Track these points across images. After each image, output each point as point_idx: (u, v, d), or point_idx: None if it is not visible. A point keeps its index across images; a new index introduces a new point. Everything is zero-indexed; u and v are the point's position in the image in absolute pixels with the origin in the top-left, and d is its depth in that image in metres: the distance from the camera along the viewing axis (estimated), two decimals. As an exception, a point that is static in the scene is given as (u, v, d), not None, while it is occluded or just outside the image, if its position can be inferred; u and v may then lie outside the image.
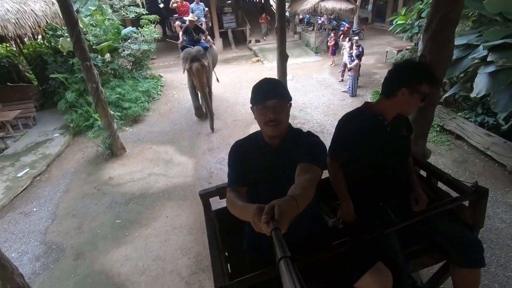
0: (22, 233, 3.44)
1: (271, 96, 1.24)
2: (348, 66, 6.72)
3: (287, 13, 12.36)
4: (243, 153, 1.38)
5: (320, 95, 6.99)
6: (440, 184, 1.78)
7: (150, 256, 3.03)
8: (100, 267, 2.96)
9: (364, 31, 12.21)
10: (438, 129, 4.91)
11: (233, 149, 1.41)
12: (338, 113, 6.00)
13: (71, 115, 5.83)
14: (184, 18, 5.46)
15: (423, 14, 4.67)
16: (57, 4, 4.64)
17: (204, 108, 5.82)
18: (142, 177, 4.35)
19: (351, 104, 6.37)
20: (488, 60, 3.23)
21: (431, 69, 1.46)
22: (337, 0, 9.62)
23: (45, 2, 5.57)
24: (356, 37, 6.94)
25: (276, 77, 5.08)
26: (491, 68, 3.19)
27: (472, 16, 4.18)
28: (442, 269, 1.74)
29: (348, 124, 1.59)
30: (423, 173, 1.87)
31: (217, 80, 6.36)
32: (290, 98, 1.29)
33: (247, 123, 5.80)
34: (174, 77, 9.07)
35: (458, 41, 3.88)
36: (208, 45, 5.69)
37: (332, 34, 9.27)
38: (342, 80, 7.57)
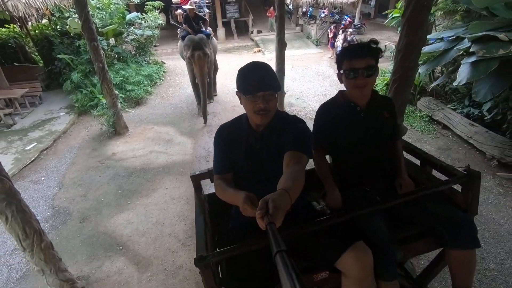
0: (32, 198, 3.71)
1: (262, 88, 1.20)
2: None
3: (290, 6, 12.48)
4: (227, 137, 1.37)
5: (317, 85, 7.21)
6: (435, 173, 1.76)
7: (150, 221, 3.30)
8: (104, 229, 3.23)
9: (365, 25, 12.35)
10: (426, 119, 5.15)
11: (218, 133, 1.40)
12: (333, 102, 6.23)
13: (76, 95, 6.06)
14: (184, 6, 5.33)
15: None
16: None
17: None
18: (143, 154, 4.60)
19: None
20: (470, 51, 3.46)
21: (356, 45, 1.52)
22: (339, -8, 9.74)
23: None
24: (350, 29, 7.15)
25: (275, 65, 5.29)
26: (472, 59, 3.42)
27: (461, 10, 4.37)
28: (437, 258, 1.70)
29: (323, 115, 1.63)
30: (418, 162, 1.85)
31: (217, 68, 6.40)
32: (279, 87, 1.26)
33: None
34: (177, 64, 9.27)
35: (446, 34, 4.11)
36: (211, 33, 5.62)
37: (332, 27, 9.44)
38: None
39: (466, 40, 3.63)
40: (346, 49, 1.52)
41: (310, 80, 7.57)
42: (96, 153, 4.67)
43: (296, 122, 1.35)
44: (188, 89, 7.06)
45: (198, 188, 1.74)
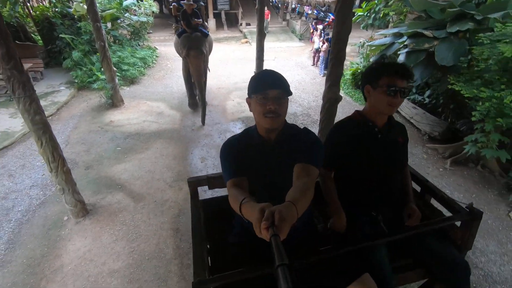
0: (43, 151, 4.41)
1: (274, 85, 1.18)
2: (320, 48, 7.80)
3: (276, 1, 13.24)
4: (237, 150, 1.33)
5: (295, 74, 8.05)
6: (433, 201, 1.76)
7: (143, 169, 4.07)
8: (105, 174, 3.98)
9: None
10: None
11: (226, 146, 1.35)
12: (307, 88, 7.10)
13: (76, 72, 6.70)
14: (182, 2, 5.11)
15: (377, 8, 5.74)
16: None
17: (197, 99, 5.65)
18: (137, 122, 5.34)
19: (320, 82, 7.46)
20: (405, 44, 4.35)
21: (391, 63, 1.51)
22: (321, -9, 10.58)
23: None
24: (321, 26, 8.01)
25: (255, 53, 6.08)
26: (406, 50, 4.31)
27: (406, 11, 5.25)
28: (426, 285, 1.71)
29: (338, 134, 1.59)
30: (417, 187, 1.85)
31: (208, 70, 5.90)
32: (291, 92, 1.23)
33: (229, 90, 6.84)
34: (168, 50, 9.93)
35: (392, 30, 4.99)
36: (208, 32, 5.45)
37: (313, 23, 10.28)
38: (313, 65, 8.63)
39: (404, 36, 4.51)
40: (387, 65, 1.45)
41: (289, 70, 8.40)
42: (96, 120, 5.38)
43: (308, 133, 1.35)
44: (179, 72, 7.76)
45: (194, 195, 1.68)
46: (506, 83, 3.35)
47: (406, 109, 5.46)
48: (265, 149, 1.31)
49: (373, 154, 1.52)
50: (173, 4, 5.81)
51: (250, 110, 1.28)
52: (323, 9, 13.74)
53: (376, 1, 5.74)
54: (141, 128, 5.14)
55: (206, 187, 1.79)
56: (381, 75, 1.42)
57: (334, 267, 1.27)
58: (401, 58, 4.42)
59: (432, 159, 4.36)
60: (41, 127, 2.64)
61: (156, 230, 3.09)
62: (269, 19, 12.97)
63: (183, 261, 2.74)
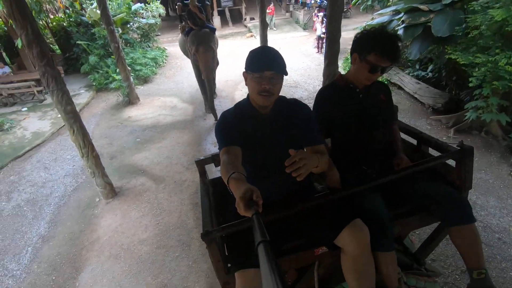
0: (71, 146, 4.82)
1: (271, 66, 1.21)
2: (322, 36, 7.96)
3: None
4: (231, 122, 1.36)
5: (300, 62, 8.24)
6: (432, 152, 1.78)
7: (162, 156, 4.42)
8: (128, 162, 4.36)
9: (351, 9, 13.22)
10: (386, 82, 6.18)
11: (220, 120, 1.39)
12: (312, 74, 7.28)
13: (93, 76, 7.16)
14: (185, 1, 5.12)
15: (375, -11, 5.86)
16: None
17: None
18: (153, 116, 5.72)
19: None
20: (402, 20, 4.48)
21: (386, 41, 1.43)
22: (323, -21, 10.63)
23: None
24: (321, 13, 8.16)
25: (259, 43, 6.34)
26: (403, 25, 4.44)
27: None
28: (433, 233, 1.74)
29: (322, 97, 1.66)
30: (414, 142, 1.88)
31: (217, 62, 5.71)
32: (286, 72, 1.27)
33: (236, 82, 7.11)
34: (177, 50, 10.20)
35: (390, 9, 5.12)
36: (215, 28, 5.43)
37: (316, 11, 10.38)
38: (318, 52, 8.79)
39: (401, 12, 4.64)
40: (380, 42, 1.43)
41: (295, 58, 8.59)
42: (115, 117, 5.80)
43: (302, 107, 1.42)
44: (189, 69, 8.11)
45: (202, 173, 1.79)
46: (500, 47, 3.47)
47: (410, 85, 5.57)
48: (260, 121, 1.36)
49: (357, 113, 1.59)
50: (178, 4, 5.83)
51: (246, 84, 1.32)
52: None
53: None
54: (157, 121, 5.51)
55: (216, 168, 1.94)
56: (370, 50, 1.43)
57: (328, 218, 1.30)
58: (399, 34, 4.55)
59: (436, 129, 4.50)
60: (72, 116, 3.01)
61: (177, 205, 3.42)
62: (274, 15, 12.80)
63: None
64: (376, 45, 1.42)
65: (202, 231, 1.18)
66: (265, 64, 1.21)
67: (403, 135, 1.84)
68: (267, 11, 12.97)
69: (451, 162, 1.56)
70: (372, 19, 7.21)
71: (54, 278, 2.72)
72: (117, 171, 4.15)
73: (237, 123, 1.35)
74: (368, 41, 1.46)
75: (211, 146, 4.56)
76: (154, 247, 2.91)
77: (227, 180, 1.05)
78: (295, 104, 1.42)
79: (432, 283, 1.56)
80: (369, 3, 6.36)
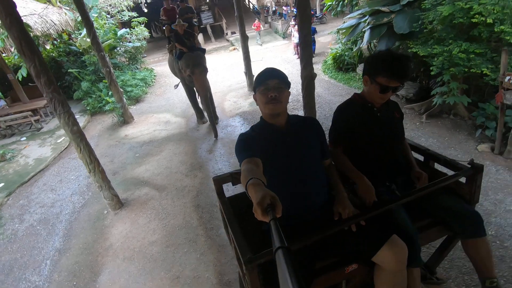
0: (75, 167, 5.12)
1: (272, 76, 1.36)
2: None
3: (256, 6, 14.02)
4: (250, 137, 1.43)
5: (283, 69, 8.62)
6: (438, 167, 1.85)
7: (161, 167, 4.72)
8: (130, 176, 4.65)
9: (326, 16, 13.92)
10: (357, 78, 6.66)
11: (239, 139, 1.43)
12: (295, 79, 7.71)
13: (87, 100, 7.47)
14: (173, 26, 5.27)
15: (343, -4, 6.41)
16: (68, 14, 6.28)
17: (205, 113, 5.75)
18: (149, 132, 6.04)
19: (315, 68, 8.10)
20: (367, 22, 4.97)
21: (393, 63, 1.50)
22: (296, -10, 11.30)
23: (58, 13, 7.16)
24: (292, 22, 8.75)
25: (242, 55, 6.77)
26: (368, 27, 4.92)
27: None
28: (445, 243, 1.81)
29: (343, 114, 1.73)
30: (421, 158, 1.95)
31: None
32: (289, 84, 1.39)
33: (224, 93, 7.53)
34: (164, 69, 10.70)
35: (357, 12, 5.63)
36: (204, 48, 5.71)
37: (292, 20, 10.98)
38: (298, 58, 9.32)
39: (366, 15, 5.14)
40: (387, 64, 1.51)
41: (277, 65, 9.05)
42: (113, 137, 6.09)
43: (317, 122, 1.57)
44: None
45: (220, 192, 1.75)
46: (453, 38, 3.94)
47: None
48: (278, 134, 1.43)
49: (375, 130, 1.67)
50: (165, 25, 5.99)
51: (257, 105, 1.46)
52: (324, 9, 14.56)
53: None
54: (153, 136, 5.83)
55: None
56: (379, 73, 1.51)
57: (362, 235, 1.33)
58: (366, 35, 5.04)
59: (410, 116, 4.93)
60: (78, 135, 3.32)
61: (181, 208, 3.72)
62: (260, 31, 12.68)
63: (207, 226, 3.35)
64: (384, 67, 1.50)
65: (242, 259, 1.14)
66: (268, 75, 1.38)
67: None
68: (253, 27, 13.42)
69: (462, 178, 1.64)
70: (344, 22, 7.78)
71: (75, 283, 2.97)
72: (121, 184, 4.43)
73: (257, 139, 1.42)
74: (377, 64, 1.55)
75: (207, 154, 4.89)
76: (164, 246, 3.19)
77: (245, 186, 1.04)
78: (309, 118, 1.57)
79: None
80: (339, 8, 6.90)
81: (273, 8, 15.91)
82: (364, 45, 4.95)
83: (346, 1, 6.34)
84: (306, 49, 3.77)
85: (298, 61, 9.15)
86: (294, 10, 14.48)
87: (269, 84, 1.34)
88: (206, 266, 2.86)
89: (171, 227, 3.44)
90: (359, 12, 5.37)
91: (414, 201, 1.57)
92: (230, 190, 2.65)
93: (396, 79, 1.50)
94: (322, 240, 1.36)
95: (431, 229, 1.62)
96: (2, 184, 4.89)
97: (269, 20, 14.33)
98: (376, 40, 5.45)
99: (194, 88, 5.44)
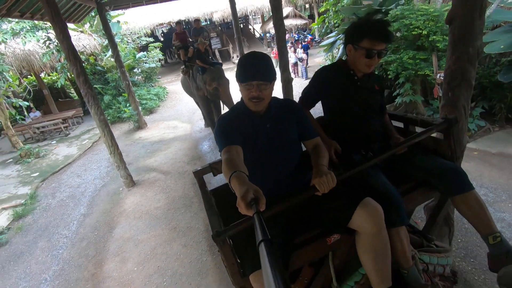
0: (97, 160, 6.12)
1: (255, 77, 1.28)
2: (302, 57, 9.64)
3: (260, 33, 15.46)
4: (229, 122, 1.41)
5: (281, 85, 9.74)
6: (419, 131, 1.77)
7: (167, 158, 5.64)
8: (142, 165, 5.58)
9: (324, 40, 15.18)
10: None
11: (219, 123, 1.42)
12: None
13: (108, 111, 8.63)
14: (195, 45, 5.49)
15: (326, 20, 7.49)
16: (96, 39, 7.61)
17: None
18: (159, 135, 7.04)
19: (306, 83, 9.10)
20: (341, 38, 5.96)
21: (375, 24, 1.49)
22: (294, 18, 12.66)
23: (88, 39, 8.56)
24: (289, 44, 9.95)
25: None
26: (341, 42, 5.90)
27: (342, 17, 6.94)
28: (437, 205, 1.81)
29: (321, 76, 1.70)
30: (400, 125, 1.94)
31: None
32: (274, 77, 1.33)
33: (226, 104, 8.54)
34: (175, 88, 12.00)
35: (334, 33, 6.66)
36: (222, 63, 5.93)
37: (289, 44, 12.22)
38: (296, 76, 10.43)
39: (340, 33, 6.15)
40: (370, 26, 1.50)
41: (276, 82, 10.12)
42: (128, 139, 7.13)
43: (297, 106, 1.55)
44: (185, 100, 9.65)
45: (202, 184, 1.77)
46: (404, 48, 4.85)
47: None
48: (258, 120, 1.41)
49: (352, 97, 1.64)
50: (180, 50, 6.15)
51: (239, 90, 1.39)
52: (305, 33, 15.92)
53: (324, 16, 7.52)
54: (163, 137, 6.82)
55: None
56: (363, 36, 1.49)
57: (337, 202, 1.31)
58: (340, 50, 6.01)
59: (379, 116, 5.73)
60: (103, 123, 4.30)
61: (181, 185, 4.58)
62: (278, 59, 13.44)
63: (200, 196, 4.16)
64: (366, 30, 1.49)
65: (212, 234, 1.16)
66: (251, 75, 1.29)
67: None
68: (272, 55, 14.34)
69: (439, 137, 1.65)
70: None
71: (96, 234, 3.81)
72: (134, 171, 5.35)
73: (237, 124, 1.39)
74: (358, 29, 1.53)
75: (207, 148, 5.80)
76: (166, 209, 4.03)
77: (228, 179, 1.06)
78: (289, 103, 1.54)
79: (444, 258, 1.61)
80: (323, 30, 7.99)
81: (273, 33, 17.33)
82: (337, 58, 5.90)
83: (327, 24, 7.40)
84: (282, 58, 4.75)
85: (297, 79, 10.26)
86: (296, 36, 15.86)
87: (252, 84, 1.30)
88: (197, 220, 3.66)
89: (172, 197, 4.29)
90: (336, 32, 6.40)
91: (395, 166, 1.60)
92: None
93: (381, 39, 1.48)
94: (299, 214, 1.40)
95: (415, 192, 1.60)
96: (38, 173, 5.90)
97: (272, 45, 15.69)
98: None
99: (212, 103, 5.76)
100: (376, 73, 1.85)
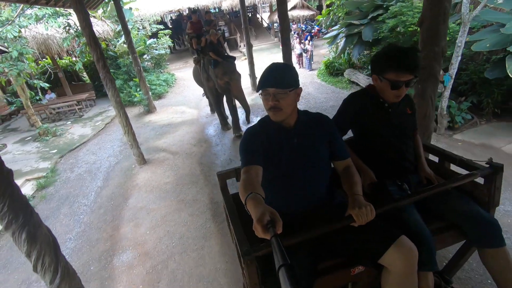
0: (110, 140, 6.58)
1: (270, 83, 1.27)
2: (307, 48, 9.89)
3: (268, 22, 15.61)
4: (254, 137, 1.39)
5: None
6: (454, 169, 1.74)
7: (176, 140, 6.07)
8: (151, 146, 6.02)
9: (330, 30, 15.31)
10: (347, 81, 7.85)
11: (244, 137, 1.40)
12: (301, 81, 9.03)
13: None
14: (206, 36, 5.46)
15: (331, 13, 7.72)
16: (109, 25, 7.96)
17: (229, 121, 6.01)
18: (168, 118, 7.46)
19: (310, 74, 9.43)
20: (343, 32, 6.25)
21: (399, 56, 1.44)
22: (301, 9, 12.80)
23: (101, 25, 8.91)
24: (295, 34, 10.14)
25: (247, 61, 8.16)
26: (343, 35, 6.19)
27: (346, 11, 7.17)
28: (461, 250, 1.70)
29: (352, 104, 1.68)
30: (435, 158, 1.85)
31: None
32: (293, 85, 1.29)
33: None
34: (184, 74, 12.37)
35: (337, 26, 6.92)
36: (234, 57, 5.65)
37: (296, 35, 12.41)
38: (300, 67, 10.68)
39: (343, 26, 6.42)
40: (393, 58, 1.46)
41: (280, 72, 10.43)
42: (139, 122, 7.57)
43: (328, 121, 1.46)
44: (192, 87, 10.01)
45: (225, 188, 1.73)
46: (402, 43, 5.13)
47: (363, 81, 7.21)
48: (286, 133, 1.38)
49: (384, 126, 1.60)
50: (192, 38, 6.12)
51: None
52: (313, 23, 16.04)
53: (330, 8, 7.77)
54: (171, 121, 7.24)
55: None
56: (386, 69, 1.46)
57: (369, 236, 1.25)
58: (342, 43, 6.30)
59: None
60: (119, 105, 4.71)
61: (188, 164, 5.01)
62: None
63: (206, 174, 4.61)
64: (390, 62, 1.45)
65: (240, 251, 1.14)
66: (267, 82, 1.28)
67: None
68: (295, 60, 14.45)
69: (479, 179, 1.54)
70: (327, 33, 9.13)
71: (112, 203, 4.28)
72: (145, 151, 5.78)
73: (261, 138, 1.37)
74: (382, 60, 1.50)
75: (212, 132, 6.21)
76: (174, 185, 4.47)
77: (244, 201, 1.06)
78: (320, 117, 1.46)
79: None
80: (328, 23, 8.24)
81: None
82: (338, 51, 6.20)
83: (332, 17, 7.64)
84: (286, 51, 5.07)
85: (301, 70, 10.51)
86: (303, 26, 15.98)
87: (268, 91, 1.29)
88: (202, 194, 4.10)
89: (180, 175, 4.73)
90: (338, 25, 6.67)
91: (428, 203, 1.54)
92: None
93: (406, 71, 1.44)
94: (326, 239, 1.32)
95: (445, 233, 1.52)
96: (56, 150, 6.39)
97: (279, 35, 15.85)
98: (350, 47, 6.69)
99: (223, 96, 5.71)
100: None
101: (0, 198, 1.64)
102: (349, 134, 1.85)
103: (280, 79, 1.28)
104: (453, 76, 3.99)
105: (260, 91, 1.32)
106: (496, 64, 4.17)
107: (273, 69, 1.32)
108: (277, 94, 1.27)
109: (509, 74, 3.49)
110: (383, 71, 1.48)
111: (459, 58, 3.85)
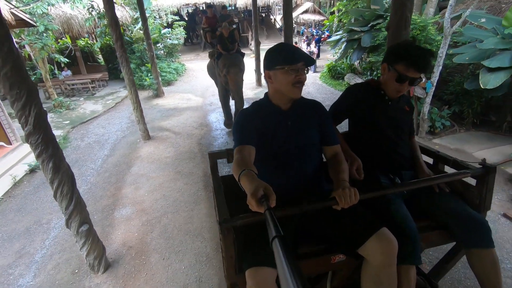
0: (119, 117, 7.08)
1: (301, 58, 1.24)
2: (313, 51, 10.32)
3: (280, 24, 16.04)
4: (247, 117, 1.39)
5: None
6: (448, 170, 1.71)
7: (179, 122, 6.54)
8: (157, 125, 6.50)
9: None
10: (347, 85, 8.26)
11: (238, 118, 1.40)
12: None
13: (131, 78, 9.56)
14: (219, 29, 5.42)
15: (336, 19, 8.17)
16: (128, 11, 8.45)
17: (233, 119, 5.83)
18: (174, 103, 7.95)
19: (313, 76, 9.86)
20: (345, 37, 6.67)
21: (415, 52, 1.44)
22: (313, 13, 13.23)
23: (120, 10, 9.43)
24: (305, 37, 10.56)
25: (253, 57, 8.61)
26: (344, 40, 6.62)
27: (350, 18, 7.59)
28: (450, 253, 1.69)
29: (351, 94, 1.71)
30: (429, 160, 1.85)
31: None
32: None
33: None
34: (194, 65, 12.88)
35: (340, 31, 7.35)
36: (244, 53, 5.65)
37: (304, 38, 12.85)
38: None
39: (345, 32, 6.85)
40: (410, 52, 1.46)
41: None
42: (147, 104, 8.07)
43: (322, 108, 1.50)
44: (200, 78, 10.51)
45: (214, 167, 1.76)
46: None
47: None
48: (280, 116, 1.39)
49: (382, 117, 1.62)
50: (207, 32, 6.16)
51: (269, 82, 1.35)
52: (322, 28, 16.49)
53: (336, 14, 8.21)
54: (177, 106, 7.73)
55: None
56: (399, 60, 1.47)
57: (351, 225, 1.26)
58: (343, 47, 6.73)
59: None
60: (132, 82, 5.20)
61: (188, 143, 5.48)
62: None
63: (203, 152, 5.06)
64: (404, 54, 1.46)
65: (219, 219, 1.16)
66: (299, 56, 1.26)
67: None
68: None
69: (471, 181, 1.53)
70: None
71: (117, 169, 4.76)
72: (150, 129, 6.26)
73: (255, 119, 1.38)
74: (398, 51, 1.50)
75: (213, 118, 6.68)
76: (173, 159, 4.94)
77: (238, 177, 1.07)
78: (315, 104, 1.49)
79: None
80: (333, 28, 8.67)
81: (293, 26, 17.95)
82: (339, 54, 6.62)
83: (337, 23, 8.08)
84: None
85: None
86: (314, 31, 16.43)
87: (297, 66, 1.25)
88: (198, 168, 4.56)
89: (180, 151, 5.20)
90: (341, 31, 7.09)
91: (418, 201, 1.55)
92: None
93: (415, 68, 1.45)
94: (307, 223, 1.34)
95: (432, 232, 1.52)
96: (68, 121, 6.91)
97: (290, 36, 16.37)
98: (350, 51, 7.11)
99: (230, 92, 5.61)
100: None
101: (37, 130, 2.12)
102: (345, 128, 1.91)
103: (305, 55, 1.30)
104: (434, 84, 4.40)
105: (278, 67, 1.27)
106: (475, 76, 4.57)
107: (290, 46, 1.35)
108: (304, 69, 1.28)
109: (481, 85, 3.89)
110: (396, 61, 1.49)
111: (440, 67, 4.25)
